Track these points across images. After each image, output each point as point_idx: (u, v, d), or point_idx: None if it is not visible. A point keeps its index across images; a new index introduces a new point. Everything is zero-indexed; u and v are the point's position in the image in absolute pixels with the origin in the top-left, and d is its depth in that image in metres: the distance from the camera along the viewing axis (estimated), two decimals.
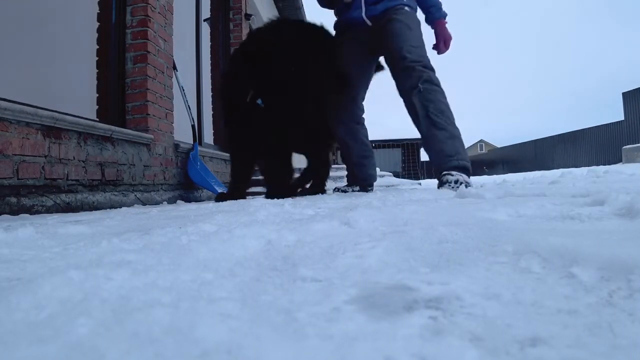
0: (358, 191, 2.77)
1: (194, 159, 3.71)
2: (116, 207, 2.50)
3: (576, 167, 11.45)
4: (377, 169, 3.87)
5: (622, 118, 16.58)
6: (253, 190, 4.47)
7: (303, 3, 8.30)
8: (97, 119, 2.85)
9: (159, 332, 0.37)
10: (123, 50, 3.13)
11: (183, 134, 3.80)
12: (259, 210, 1.28)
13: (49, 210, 2.11)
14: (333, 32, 2.84)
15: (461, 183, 2.15)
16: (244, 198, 2.79)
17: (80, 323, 0.39)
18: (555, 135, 21.30)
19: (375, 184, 2.99)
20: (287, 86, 2.59)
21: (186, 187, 3.69)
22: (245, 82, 2.63)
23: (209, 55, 5.18)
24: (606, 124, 17.86)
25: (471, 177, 2.36)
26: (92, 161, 2.51)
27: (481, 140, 53.87)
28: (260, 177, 3.41)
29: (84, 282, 0.51)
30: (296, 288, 0.51)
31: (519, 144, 24.29)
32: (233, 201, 2.39)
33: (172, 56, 3.59)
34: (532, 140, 23.22)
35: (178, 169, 3.61)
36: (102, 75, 3.02)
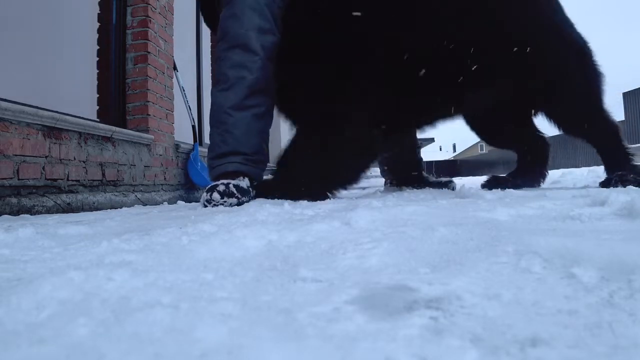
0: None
1: (194, 159, 3.72)
2: (116, 208, 2.50)
3: (576, 167, 11.45)
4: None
5: (623, 118, 16.55)
6: None
7: None
8: (98, 120, 2.85)
9: (159, 332, 0.37)
10: (123, 51, 3.14)
11: (183, 135, 3.81)
12: (259, 211, 1.28)
13: (50, 210, 2.11)
14: None
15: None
16: None
17: (81, 323, 0.39)
18: (555, 135, 21.28)
19: (375, 184, 2.91)
20: None
21: (187, 187, 3.69)
22: None
23: (209, 56, 5.17)
24: None
25: (472, 178, 2.34)
26: (92, 161, 2.51)
27: (481, 140, 53.84)
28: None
29: (84, 282, 0.51)
30: (296, 288, 0.51)
31: None
32: None
33: (173, 56, 3.59)
34: None
35: (178, 170, 3.61)
36: (103, 75, 3.03)
